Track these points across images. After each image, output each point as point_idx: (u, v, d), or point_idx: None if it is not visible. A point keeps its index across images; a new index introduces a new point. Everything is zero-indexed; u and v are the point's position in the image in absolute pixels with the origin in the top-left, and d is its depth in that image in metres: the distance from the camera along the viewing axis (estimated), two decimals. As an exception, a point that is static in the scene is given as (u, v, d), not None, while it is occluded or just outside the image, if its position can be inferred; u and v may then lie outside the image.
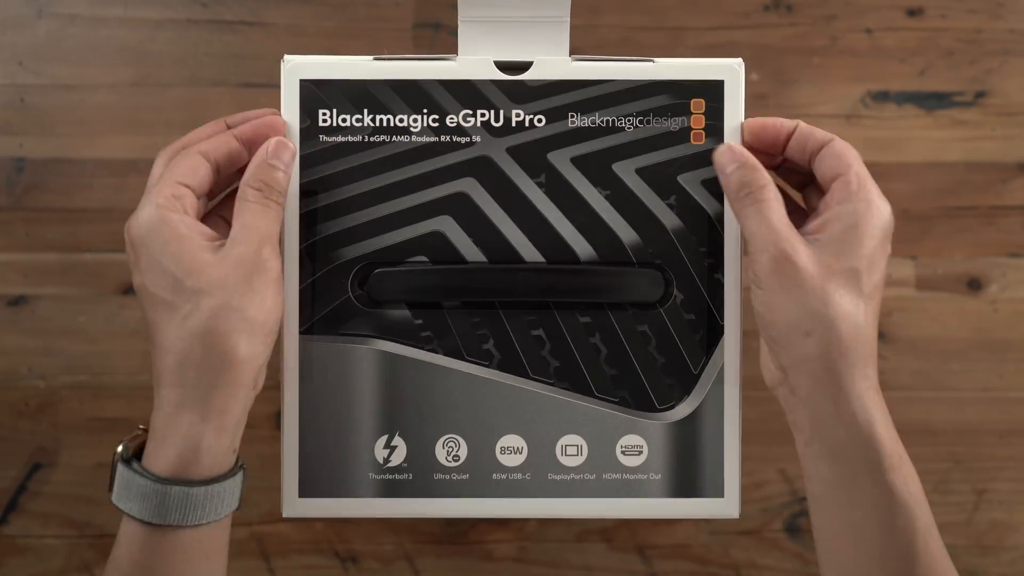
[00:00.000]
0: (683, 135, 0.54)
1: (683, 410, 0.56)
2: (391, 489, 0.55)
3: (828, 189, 0.50)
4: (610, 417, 0.54)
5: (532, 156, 0.54)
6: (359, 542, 0.77)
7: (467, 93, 0.55)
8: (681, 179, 0.54)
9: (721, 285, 0.54)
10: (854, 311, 0.47)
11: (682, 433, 0.56)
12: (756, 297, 0.49)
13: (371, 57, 0.53)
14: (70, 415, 0.79)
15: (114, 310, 0.79)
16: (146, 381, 0.79)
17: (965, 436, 0.80)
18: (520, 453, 0.54)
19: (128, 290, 0.79)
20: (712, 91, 0.54)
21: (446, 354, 0.54)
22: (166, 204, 0.48)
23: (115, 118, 0.79)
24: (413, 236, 0.54)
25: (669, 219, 0.54)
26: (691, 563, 0.78)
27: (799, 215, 0.53)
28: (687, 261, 0.55)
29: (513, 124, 0.54)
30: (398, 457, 0.56)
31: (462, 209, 0.54)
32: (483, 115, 0.54)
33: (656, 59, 0.54)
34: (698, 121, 0.54)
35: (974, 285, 0.81)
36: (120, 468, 0.47)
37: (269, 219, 0.49)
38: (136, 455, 0.47)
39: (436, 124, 0.54)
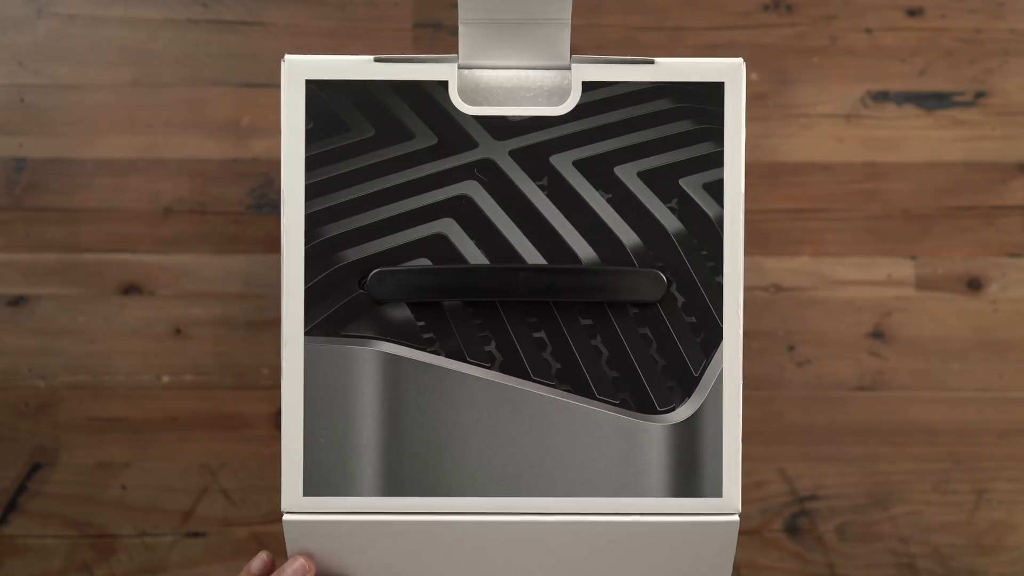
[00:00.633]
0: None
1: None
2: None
3: None
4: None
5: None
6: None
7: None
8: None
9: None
10: None
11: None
12: None
13: (371, 57, 0.53)
14: (70, 415, 0.79)
15: (114, 310, 0.79)
16: (146, 381, 0.79)
17: (965, 436, 0.81)
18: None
19: (128, 290, 0.79)
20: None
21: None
22: None
23: (115, 118, 0.79)
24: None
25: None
26: (691, 563, 0.78)
27: None
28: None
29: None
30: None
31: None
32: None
33: (657, 59, 0.54)
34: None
35: (974, 285, 0.81)
36: None
37: None
38: None
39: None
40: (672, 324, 0.54)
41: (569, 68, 0.55)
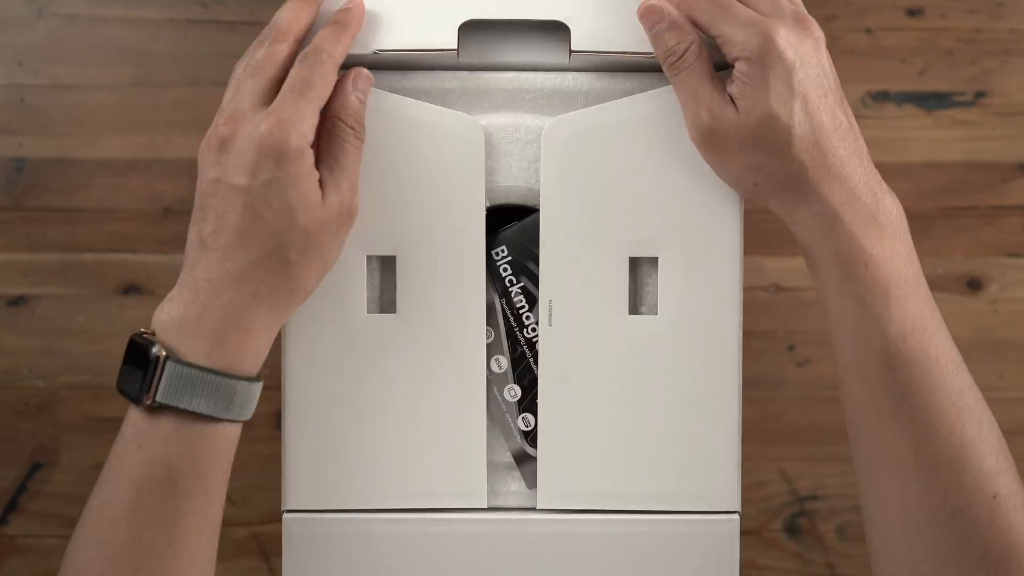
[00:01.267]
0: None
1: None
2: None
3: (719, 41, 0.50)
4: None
5: None
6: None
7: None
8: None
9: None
10: (783, 150, 0.47)
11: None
12: (707, 158, 0.51)
13: (372, 51, 0.53)
14: (70, 415, 0.79)
15: (114, 310, 0.79)
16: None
17: (965, 436, 0.80)
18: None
19: (128, 290, 0.79)
20: None
21: None
22: (308, 136, 0.47)
23: (115, 118, 0.79)
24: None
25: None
26: (691, 563, 0.78)
27: None
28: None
29: None
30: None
31: None
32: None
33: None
34: None
35: (974, 285, 0.81)
36: (168, 366, 0.46)
37: (357, 158, 0.49)
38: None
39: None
40: None
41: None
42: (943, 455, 0.48)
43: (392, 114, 0.53)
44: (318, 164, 0.48)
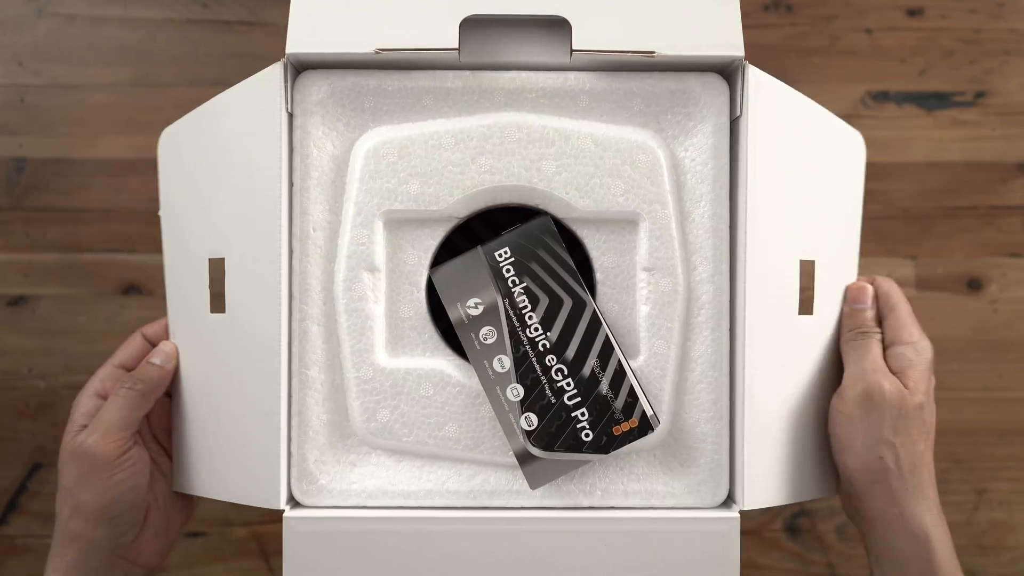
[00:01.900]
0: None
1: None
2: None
3: (884, 327, 0.58)
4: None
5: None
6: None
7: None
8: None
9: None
10: (918, 440, 0.55)
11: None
12: (838, 423, 0.56)
13: (373, 50, 0.53)
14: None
15: (114, 310, 0.79)
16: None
17: (965, 436, 0.81)
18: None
19: (128, 290, 0.79)
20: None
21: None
22: (89, 387, 0.59)
23: (115, 118, 0.79)
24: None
25: None
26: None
27: None
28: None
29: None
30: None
31: None
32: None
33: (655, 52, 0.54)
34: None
35: (974, 285, 0.81)
36: None
37: (121, 406, 0.56)
38: None
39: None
40: None
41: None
42: None
43: (218, 115, 0.55)
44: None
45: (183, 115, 0.58)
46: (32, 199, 0.79)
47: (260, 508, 0.54)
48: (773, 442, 0.55)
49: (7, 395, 0.79)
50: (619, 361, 0.53)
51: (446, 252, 0.56)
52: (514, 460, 0.54)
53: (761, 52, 0.79)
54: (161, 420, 0.59)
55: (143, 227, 0.79)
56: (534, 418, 0.53)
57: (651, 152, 0.54)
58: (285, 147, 0.54)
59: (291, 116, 0.55)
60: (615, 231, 0.55)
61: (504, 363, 0.53)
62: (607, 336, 0.53)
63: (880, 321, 0.57)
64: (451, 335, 0.56)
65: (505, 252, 0.54)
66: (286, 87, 0.54)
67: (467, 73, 0.55)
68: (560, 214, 0.55)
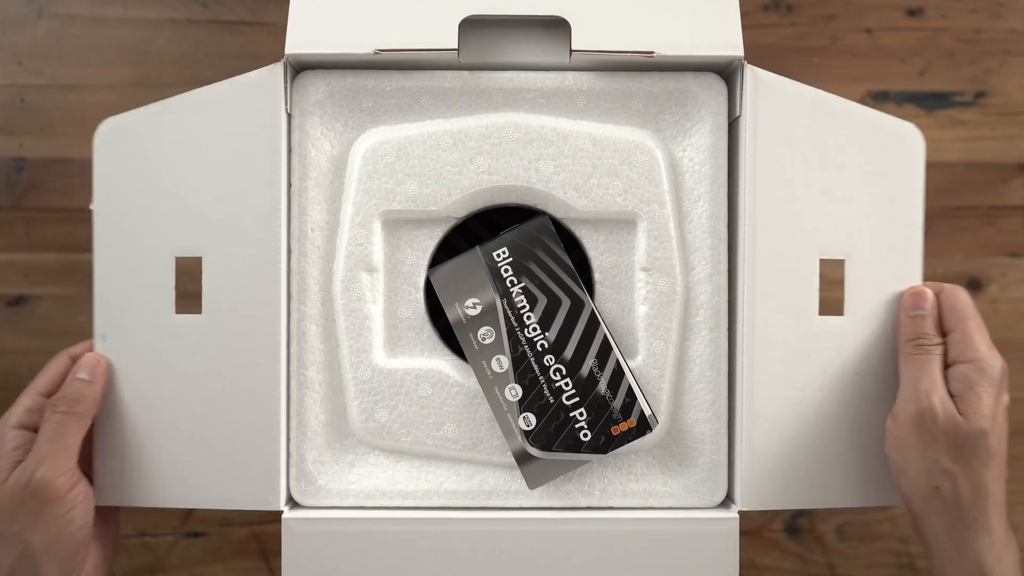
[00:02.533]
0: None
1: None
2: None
3: (946, 342, 0.53)
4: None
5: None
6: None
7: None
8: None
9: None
10: (979, 470, 0.50)
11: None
12: (891, 445, 0.52)
13: (372, 50, 0.53)
14: None
15: (114, 310, 0.79)
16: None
17: (965, 436, 0.80)
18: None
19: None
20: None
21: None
22: (10, 418, 0.53)
23: (115, 118, 0.79)
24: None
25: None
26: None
27: None
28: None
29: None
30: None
31: None
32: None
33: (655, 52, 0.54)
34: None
35: (974, 285, 0.80)
36: None
37: (57, 431, 0.51)
38: None
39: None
40: None
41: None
42: None
43: (198, 112, 0.54)
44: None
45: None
46: (32, 199, 0.79)
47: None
48: (778, 444, 0.54)
49: (7, 395, 0.79)
50: (617, 361, 0.53)
51: (444, 252, 0.56)
52: (513, 460, 0.54)
53: (761, 52, 0.79)
54: (85, 443, 0.54)
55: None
56: (532, 418, 0.53)
57: (649, 152, 0.54)
58: (284, 147, 0.54)
59: (289, 116, 0.55)
60: (613, 231, 0.55)
61: (502, 363, 0.53)
62: (605, 336, 0.53)
63: (944, 332, 0.53)
64: (449, 335, 0.56)
65: (503, 252, 0.54)
66: (286, 87, 0.54)
67: (465, 73, 0.55)
68: (558, 214, 0.55)
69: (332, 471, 0.55)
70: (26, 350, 0.79)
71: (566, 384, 0.53)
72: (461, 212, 0.55)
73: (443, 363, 0.55)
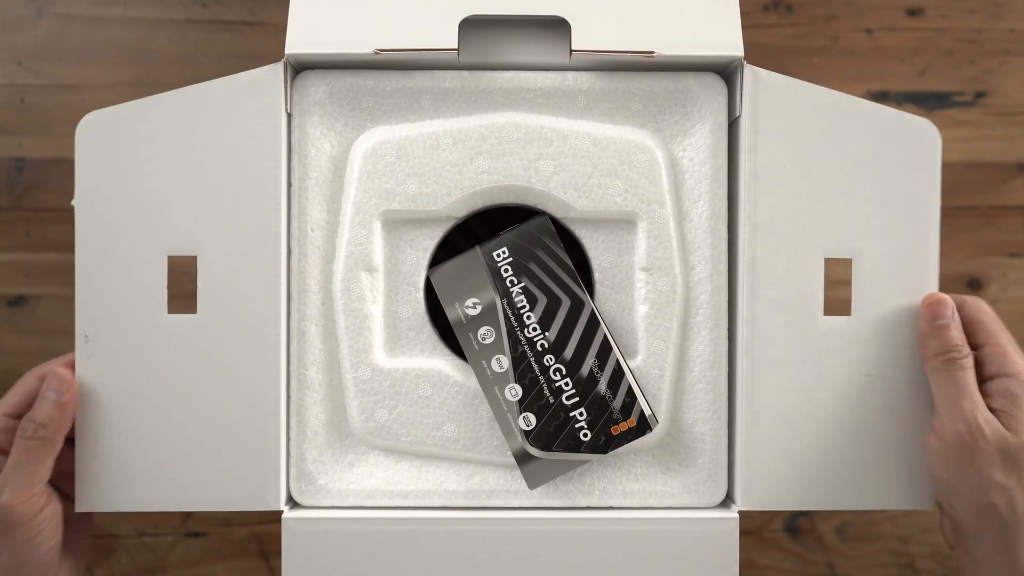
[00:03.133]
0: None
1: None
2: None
3: (978, 356, 0.52)
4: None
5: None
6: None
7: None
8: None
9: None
10: None
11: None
12: (940, 462, 0.51)
13: (372, 50, 0.53)
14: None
15: (114, 310, 0.79)
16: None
17: (965, 436, 0.80)
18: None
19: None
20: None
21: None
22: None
23: (115, 118, 0.79)
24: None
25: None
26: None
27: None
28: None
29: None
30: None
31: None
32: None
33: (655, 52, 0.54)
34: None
35: (974, 285, 0.80)
36: None
37: (24, 456, 0.50)
38: None
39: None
40: None
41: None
42: None
43: (192, 109, 0.53)
44: None
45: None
46: (32, 199, 0.79)
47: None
48: (778, 444, 0.54)
49: (7, 395, 0.79)
50: (617, 361, 0.53)
51: (444, 252, 0.56)
52: (512, 460, 0.54)
53: (761, 52, 0.79)
54: (62, 461, 0.53)
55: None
56: (532, 418, 0.53)
57: (649, 152, 0.54)
58: (284, 147, 0.54)
59: (289, 116, 0.55)
60: (613, 231, 0.55)
61: (502, 363, 0.53)
62: (605, 336, 0.53)
63: (973, 344, 0.52)
64: (449, 335, 0.56)
65: (503, 252, 0.54)
66: (286, 87, 0.54)
67: (465, 73, 0.55)
68: (558, 214, 0.55)
69: (332, 471, 0.55)
70: (26, 350, 0.79)
71: (566, 384, 0.53)
72: (461, 212, 0.55)
73: (443, 363, 0.55)
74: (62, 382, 0.52)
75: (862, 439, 0.54)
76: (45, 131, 0.79)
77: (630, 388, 0.53)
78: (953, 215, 0.81)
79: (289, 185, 0.55)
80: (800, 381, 0.54)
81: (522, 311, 0.54)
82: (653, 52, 0.53)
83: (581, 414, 0.53)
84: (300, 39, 0.53)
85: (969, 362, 0.51)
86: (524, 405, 0.53)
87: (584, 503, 0.55)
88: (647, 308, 0.55)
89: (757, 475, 0.54)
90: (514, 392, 0.53)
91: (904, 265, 0.54)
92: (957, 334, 0.52)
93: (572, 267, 0.54)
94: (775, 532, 0.80)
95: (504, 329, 0.54)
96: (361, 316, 0.54)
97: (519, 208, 0.56)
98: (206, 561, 0.79)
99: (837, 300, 0.55)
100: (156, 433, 0.53)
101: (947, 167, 0.81)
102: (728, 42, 0.53)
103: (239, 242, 0.53)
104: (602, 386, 0.53)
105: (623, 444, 0.53)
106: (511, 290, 0.54)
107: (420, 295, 0.56)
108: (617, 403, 0.53)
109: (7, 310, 0.79)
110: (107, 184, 0.54)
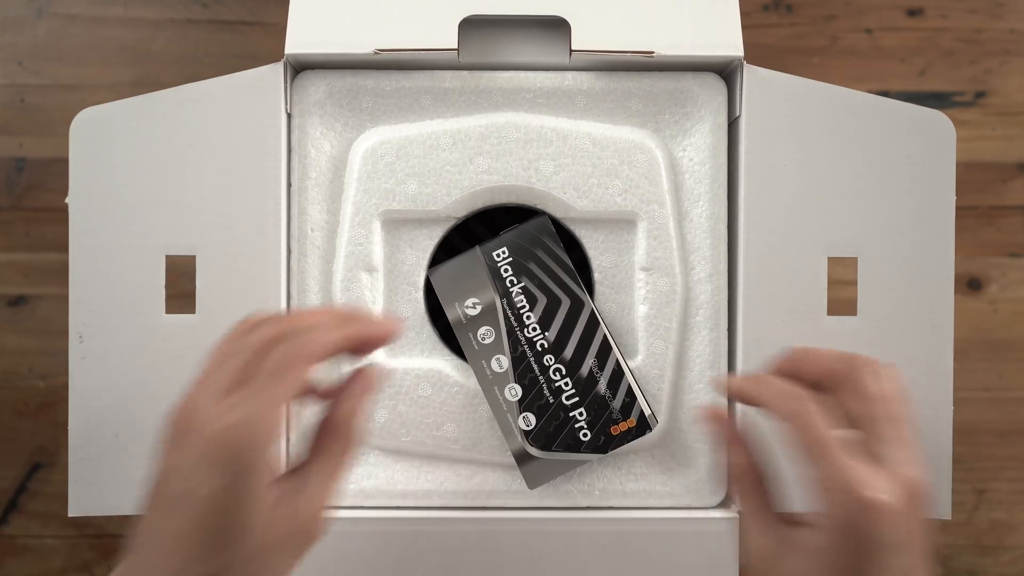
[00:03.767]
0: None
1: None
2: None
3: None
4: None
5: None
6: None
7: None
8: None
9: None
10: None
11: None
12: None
13: (372, 50, 0.53)
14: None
15: (114, 310, 0.79)
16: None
17: (965, 436, 0.80)
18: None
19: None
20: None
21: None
22: (267, 436, 0.37)
23: (115, 118, 0.79)
24: None
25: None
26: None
27: None
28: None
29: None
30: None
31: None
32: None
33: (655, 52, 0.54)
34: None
35: (974, 285, 0.80)
36: None
37: (335, 476, 0.41)
38: None
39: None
40: None
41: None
42: None
43: (190, 107, 0.53)
44: (288, 470, 0.40)
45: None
46: (32, 199, 0.79)
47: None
48: (778, 444, 0.53)
49: (7, 395, 0.79)
50: (617, 361, 0.53)
51: (444, 252, 0.56)
52: (512, 460, 0.54)
53: (761, 52, 0.79)
54: None
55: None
56: (532, 418, 0.53)
57: (649, 152, 0.54)
58: (284, 147, 0.54)
59: (289, 116, 0.55)
60: (613, 231, 0.55)
61: (502, 363, 0.53)
62: (605, 336, 0.53)
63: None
64: (449, 335, 0.56)
65: (503, 252, 0.54)
66: (286, 87, 0.54)
67: (465, 73, 0.55)
68: (558, 214, 0.55)
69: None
70: (26, 350, 0.79)
71: (566, 384, 0.53)
72: (461, 212, 0.55)
73: (443, 363, 0.55)
74: (368, 384, 0.42)
75: None
76: (45, 131, 0.79)
77: (630, 388, 0.53)
78: (953, 215, 0.80)
79: (289, 185, 0.55)
80: None
81: (522, 311, 0.54)
82: (653, 52, 0.53)
83: (581, 414, 0.53)
84: (300, 39, 0.53)
85: (747, 484, 0.43)
86: (524, 405, 0.53)
87: (584, 503, 0.55)
88: (647, 308, 0.55)
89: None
90: (514, 392, 0.53)
91: (915, 263, 0.53)
92: (732, 452, 0.44)
93: (572, 267, 0.54)
94: (775, 532, 0.80)
95: (504, 329, 0.54)
96: (361, 316, 0.54)
97: (519, 208, 0.56)
98: (206, 561, 0.79)
99: (842, 300, 0.54)
100: (153, 435, 0.53)
101: (947, 167, 0.81)
102: (728, 42, 0.53)
103: (239, 242, 0.53)
104: (602, 386, 0.53)
105: (623, 444, 0.53)
106: (511, 290, 0.54)
107: (420, 295, 0.56)
108: (617, 403, 0.53)
109: (7, 310, 0.79)
110: (103, 182, 0.53)
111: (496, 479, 0.55)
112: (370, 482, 0.55)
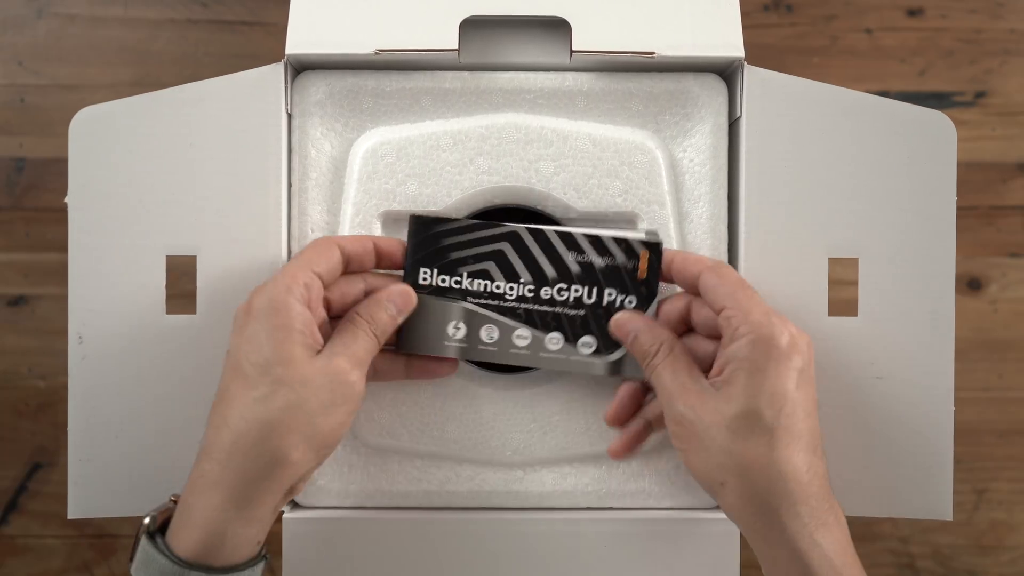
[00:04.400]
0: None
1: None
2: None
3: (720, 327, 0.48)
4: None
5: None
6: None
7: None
8: None
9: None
10: (764, 453, 0.45)
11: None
12: (684, 455, 0.48)
13: (373, 51, 0.53)
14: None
15: (114, 310, 0.79)
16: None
17: (965, 436, 0.80)
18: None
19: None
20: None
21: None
22: (295, 290, 0.47)
23: (115, 118, 0.79)
24: None
25: None
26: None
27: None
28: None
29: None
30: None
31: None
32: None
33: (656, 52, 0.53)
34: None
35: (974, 285, 0.81)
36: (143, 541, 0.46)
37: (368, 347, 0.48)
38: (161, 529, 0.47)
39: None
40: None
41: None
42: None
43: (191, 107, 0.53)
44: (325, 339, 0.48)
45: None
46: (32, 199, 0.79)
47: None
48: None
49: (7, 395, 0.79)
50: (585, 235, 0.51)
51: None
52: (513, 461, 0.54)
53: (761, 52, 0.79)
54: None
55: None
56: (591, 339, 0.52)
57: (649, 152, 0.54)
58: (284, 148, 0.54)
59: (289, 117, 0.55)
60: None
61: (523, 335, 0.52)
62: (558, 232, 0.51)
63: (716, 309, 0.48)
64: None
65: (424, 272, 0.52)
66: (286, 88, 0.54)
67: (465, 74, 0.55)
68: (558, 214, 0.55)
69: (332, 471, 0.55)
70: (26, 350, 0.79)
71: (576, 291, 0.51)
72: (461, 212, 0.55)
73: (443, 363, 0.55)
74: (407, 302, 0.51)
75: (869, 442, 0.53)
76: (45, 131, 0.79)
77: (614, 239, 0.51)
78: (953, 215, 0.81)
79: (289, 185, 0.55)
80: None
81: (488, 289, 0.52)
82: (653, 53, 0.53)
83: (609, 293, 0.51)
84: (300, 39, 0.53)
85: (660, 357, 0.49)
86: (571, 338, 0.52)
87: (584, 503, 0.55)
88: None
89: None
90: (555, 341, 0.52)
91: (915, 264, 0.53)
92: (645, 339, 0.50)
93: (476, 220, 0.52)
94: (775, 532, 0.80)
95: (495, 315, 0.52)
96: (361, 316, 0.54)
97: (519, 209, 0.55)
98: (206, 561, 0.79)
99: (842, 300, 0.54)
100: (154, 436, 0.53)
101: (947, 167, 0.81)
102: (728, 42, 0.53)
103: (239, 242, 0.53)
104: (599, 261, 0.51)
105: (658, 278, 0.51)
106: (463, 286, 0.52)
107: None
108: (620, 259, 0.51)
109: (7, 310, 0.79)
110: (103, 181, 0.53)
111: (497, 480, 0.55)
112: (371, 482, 0.55)
